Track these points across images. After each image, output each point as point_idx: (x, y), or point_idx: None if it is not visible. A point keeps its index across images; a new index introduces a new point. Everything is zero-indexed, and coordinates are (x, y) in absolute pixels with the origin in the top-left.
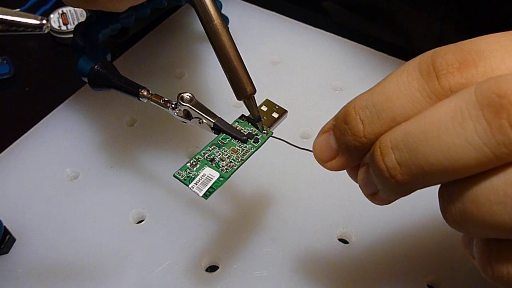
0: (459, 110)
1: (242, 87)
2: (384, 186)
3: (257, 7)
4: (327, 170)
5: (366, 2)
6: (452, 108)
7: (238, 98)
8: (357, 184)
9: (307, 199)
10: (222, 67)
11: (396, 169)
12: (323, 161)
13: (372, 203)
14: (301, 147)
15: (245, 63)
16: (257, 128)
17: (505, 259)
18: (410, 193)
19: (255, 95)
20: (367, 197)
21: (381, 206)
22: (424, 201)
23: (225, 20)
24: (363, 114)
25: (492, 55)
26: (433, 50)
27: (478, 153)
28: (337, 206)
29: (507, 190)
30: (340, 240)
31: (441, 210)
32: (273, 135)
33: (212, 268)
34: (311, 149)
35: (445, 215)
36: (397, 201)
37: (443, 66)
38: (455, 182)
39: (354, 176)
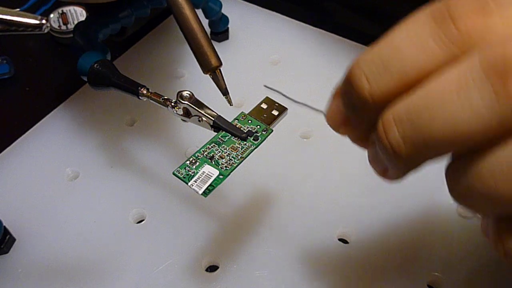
0: (463, 78)
1: (207, 60)
2: (390, 163)
3: (257, 7)
4: (327, 171)
5: (367, 2)
6: (456, 76)
7: (204, 72)
8: (357, 183)
9: (307, 199)
10: (187, 41)
11: (400, 145)
12: (334, 127)
13: (375, 199)
14: (315, 107)
15: (245, 63)
16: (257, 126)
17: None
18: (419, 167)
19: (255, 95)
20: (378, 175)
21: (382, 204)
22: (425, 201)
23: (224, 19)
24: (368, 70)
25: None
26: None
27: (484, 122)
28: (337, 206)
29: (511, 161)
30: (340, 240)
31: (448, 187)
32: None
33: (212, 268)
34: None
35: (452, 192)
36: (397, 201)
37: (459, 11)
38: (461, 158)
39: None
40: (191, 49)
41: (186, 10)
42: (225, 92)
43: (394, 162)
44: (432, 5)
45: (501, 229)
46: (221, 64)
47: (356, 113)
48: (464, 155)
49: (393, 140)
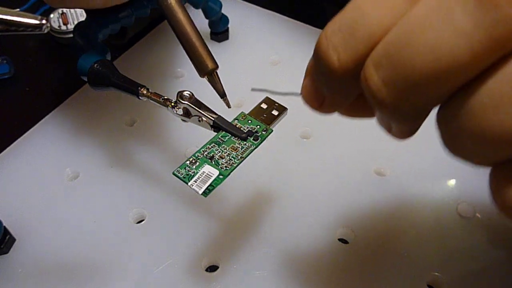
0: None
1: (203, 63)
2: (384, 115)
3: (257, 7)
4: (327, 171)
5: None
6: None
7: (201, 75)
8: (357, 183)
9: (307, 199)
10: (182, 45)
11: (381, 91)
12: (313, 107)
13: (375, 199)
14: (288, 92)
15: (245, 63)
16: (257, 125)
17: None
18: (418, 116)
19: (254, 95)
20: (390, 135)
21: (382, 202)
22: (424, 201)
23: (224, 19)
24: (336, 40)
25: None
26: None
27: (471, 42)
28: (337, 206)
29: (502, 89)
30: (340, 240)
31: (440, 138)
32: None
33: (212, 268)
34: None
35: (444, 141)
36: (396, 201)
37: None
38: (450, 101)
39: (358, 112)
40: (187, 53)
41: (180, 14)
42: (222, 95)
43: (383, 112)
44: None
45: (498, 178)
46: (217, 66)
47: (330, 86)
48: (454, 95)
49: (374, 87)
